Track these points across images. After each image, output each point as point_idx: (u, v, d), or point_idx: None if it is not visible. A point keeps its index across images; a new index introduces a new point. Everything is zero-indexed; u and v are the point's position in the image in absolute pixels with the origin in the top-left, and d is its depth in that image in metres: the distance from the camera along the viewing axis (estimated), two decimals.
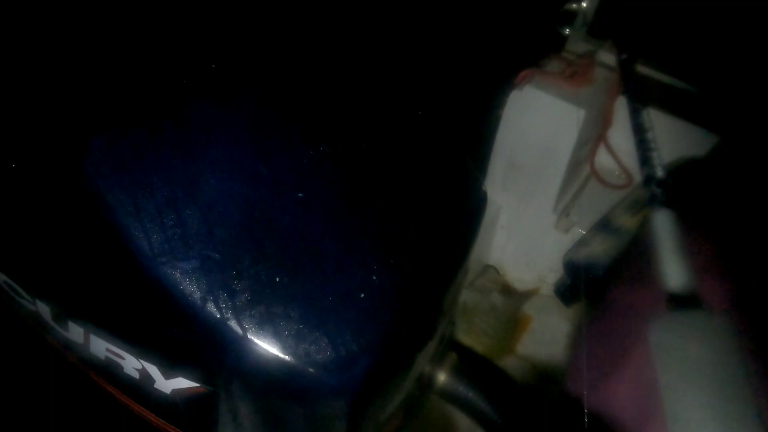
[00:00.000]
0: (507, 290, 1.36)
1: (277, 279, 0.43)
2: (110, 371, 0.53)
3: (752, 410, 0.33)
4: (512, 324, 1.28)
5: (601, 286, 0.93)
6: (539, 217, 1.24)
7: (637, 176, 1.21)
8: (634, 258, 0.81)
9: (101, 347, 0.50)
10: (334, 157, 0.49)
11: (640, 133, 0.81)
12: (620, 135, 1.19)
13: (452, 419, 1.10)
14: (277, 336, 0.42)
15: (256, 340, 0.42)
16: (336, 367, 0.43)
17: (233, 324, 0.41)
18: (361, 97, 0.55)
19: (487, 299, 1.31)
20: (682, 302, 0.43)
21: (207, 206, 0.42)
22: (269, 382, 0.44)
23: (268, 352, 0.42)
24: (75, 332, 0.51)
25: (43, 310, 0.52)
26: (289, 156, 0.47)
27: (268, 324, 0.42)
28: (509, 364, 1.20)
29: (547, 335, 1.26)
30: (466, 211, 0.56)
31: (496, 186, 1.24)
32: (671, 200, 0.72)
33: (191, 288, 0.41)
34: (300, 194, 0.46)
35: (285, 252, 0.44)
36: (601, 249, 1.03)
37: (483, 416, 0.82)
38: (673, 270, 0.47)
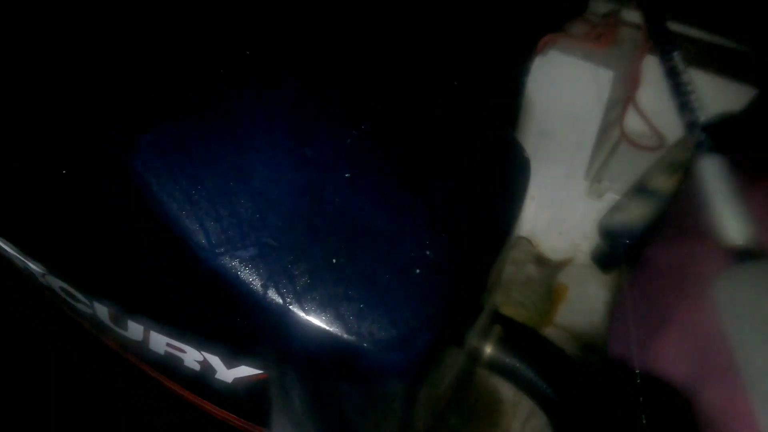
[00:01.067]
0: (541, 261, 1.35)
1: (334, 260, 0.43)
2: (170, 366, 0.54)
3: None
4: (549, 295, 1.27)
5: (640, 250, 0.91)
6: (571, 185, 1.22)
7: (670, 137, 1.18)
8: (679, 214, 0.79)
9: (161, 343, 0.51)
10: (376, 135, 0.48)
11: (674, 77, 0.76)
12: (649, 95, 1.16)
13: (498, 391, 1.10)
14: (339, 317, 0.42)
15: (319, 323, 0.42)
16: (398, 344, 0.43)
17: (295, 308, 0.41)
18: (396, 73, 0.54)
19: (522, 271, 1.30)
20: (747, 254, 0.41)
21: (258, 194, 0.42)
22: (333, 364, 0.44)
23: (331, 333, 0.42)
24: (134, 331, 0.52)
25: (101, 311, 0.52)
26: (333, 137, 0.46)
27: (329, 306, 0.42)
28: (549, 335, 1.20)
29: (585, 304, 1.25)
30: (511, 180, 0.55)
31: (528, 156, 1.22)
32: (719, 145, 0.68)
33: (251, 276, 0.41)
34: (347, 174, 0.46)
35: (338, 233, 0.44)
36: (637, 213, 1.01)
37: (531, 386, 0.82)
38: (733, 220, 0.44)
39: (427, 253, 0.46)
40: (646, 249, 0.82)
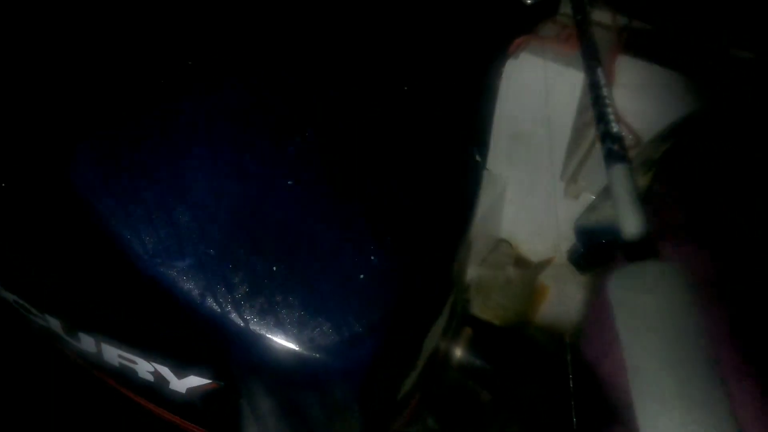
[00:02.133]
0: (521, 263, 1.35)
1: (274, 268, 0.43)
2: (126, 376, 0.54)
3: (704, 357, 0.32)
4: (529, 295, 1.27)
5: (613, 250, 0.91)
6: (547, 186, 1.22)
7: (645, 136, 1.18)
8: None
9: (113, 354, 0.51)
10: (319, 143, 0.49)
11: (595, 89, 0.78)
12: (623, 96, 1.16)
13: (476, 393, 1.10)
14: (280, 325, 0.42)
15: (260, 331, 0.42)
16: (341, 350, 0.43)
17: (234, 317, 0.41)
18: (343, 80, 0.55)
19: (502, 273, 1.30)
20: (637, 253, 0.42)
21: (197, 204, 0.42)
22: (278, 372, 0.44)
23: (272, 341, 0.42)
24: (87, 342, 0.52)
25: (54, 324, 0.52)
26: (275, 146, 0.47)
27: (269, 314, 0.42)
28: (529, 335, 1.20)
29: (565, 304, 1.25)
30: (459, 184, 0.55)
31: (501, 159, 1.22)
32: (626, 155, 0.71)
33: (189, 285, 0.41)
34: (289, 182, 0.46)
35: (280, 242, 0.44)
36: (611, 212, 1.01)
37: (502, 388, 0.82)
38: (630, 222, 0.45)
39: (372, 258, 0.46)
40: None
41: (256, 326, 0.42)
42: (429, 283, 0.52)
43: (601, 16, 1.17)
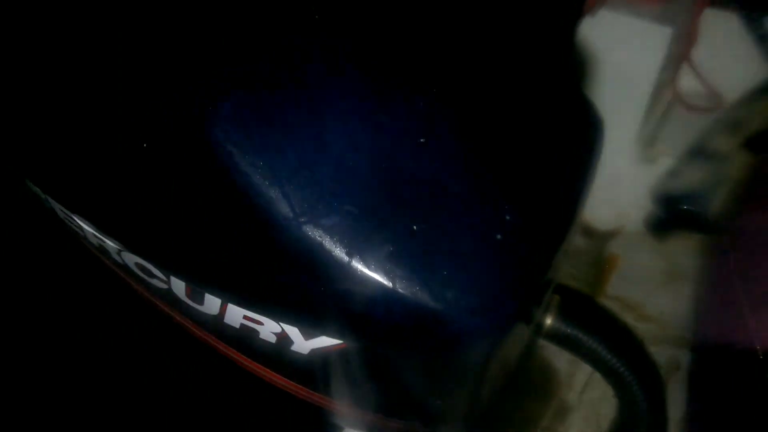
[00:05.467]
0: (588, 231, 1.32)
1: (415, 227, 0.42)
2: (244, 340, 0.54)
3: None
4: (599, 265, 1.24)
5: (705, 217, 0.87)
6: (620, 150, 1.17)
7: (728, 96, 1.12)
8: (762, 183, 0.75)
9: (238, 316, 0.51)
10: (447, 99, 0.47)
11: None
12: (706, 53, 1.10)
13: (551, 363, 1.09)
14: (424, 285, 0.41)
15: (404, 291, 0.41)
16: (485, 310, 0.42)
17: (380, 277, 0.41)
18: (459, 36, 0.52)
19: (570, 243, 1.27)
20: None
21: (338, 161, 0.41)
22: (416, 332, 0.44)
23: (416, 302, 0.41)
24: (210, 305, 0.52)
25: (177, 286, 0.53)
26: (405, 102, 0.45)
27: (413, 274, 0.41)
28: (605, 305, 1.17)
29: (638, 273, 1.21)
30: (586, 142, 0.53)
31: None
32: None
33: (335, 244, 0.40)
34: (421, 140, 0.44)
35: (418, 200, 0.43)
36: (698, 178, 0.97)
37: (596, 356, 0.80)
38: None
39: (507, 217, 0.45)
40: (734, 218, 0.78)
41: (401, 286, 0.41)
42: (553, 244, 0.51)
43: None
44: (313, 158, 0.41)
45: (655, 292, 1.15)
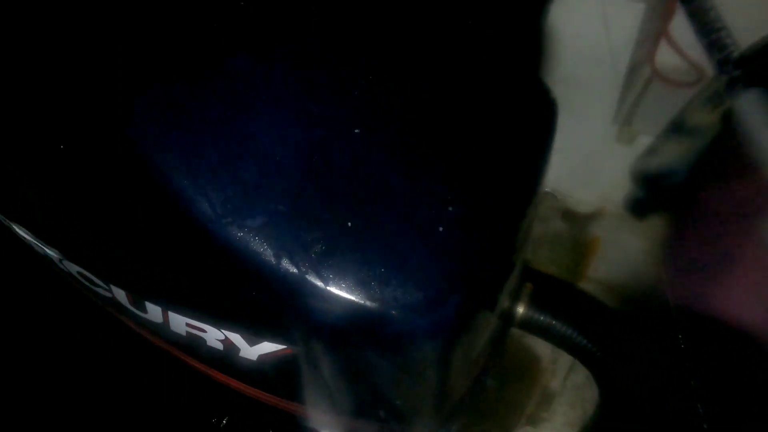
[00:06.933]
0: (569, 215, 1.30)
1: (350, 224, 0.40)
2: (194, 346, 0.52)
3: None
4: (580, 249, 1.22)
5: (683, 193, 0.85)
6: (597, 132, 1.15)
7: (709, 69, 1.09)
8: (725, 155, 0.73)
9: (181, 323, 0.49)
10: (385, 86, 0.44)
11: (699, 15, 0.72)
12: (684, 26, 1.07)
13: (534, 349, 1.08)
14: (361, 283, 0.39)
15: (339, 291, 0.39)
16: (426, 307, 0.40)
17: (312, 277, 0.38)
18: (404, 12, 0.50)
19: (550, 227, 1.25)
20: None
21: (264, 157, 0.39)
22: (359, 333, 0.42)
23: (353, 301, 0.39)
24: (153, 312, 0.50)
25: (119, 294, 0.51)
26: (339, 90, 0.43)
27: (348, 272, 0.39)
28: (583, 289, 1.16)
29: (620, 255, 1.20)
30: (537, 125, 0.50)
31: None
32: (756, 79, 0.64)
33: (263, 245, 0.38)
34: (357, 130, 0.42)
35: (353, 195, 0.40)
36: (676, 153, 0.94)
37: (569, 342, 0.79)
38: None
39: (450, 208, 0.43)
40: (696, 191, 0.77)
41: (336, 286, 0.39)
42: (506, 234, 0.49)
43: None
44: (236, 155, 0.38)
45: (635, 273, 1.13)
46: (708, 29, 0.76)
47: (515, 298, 0.76)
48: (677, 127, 0.95)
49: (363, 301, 0.39)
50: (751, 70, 0.66)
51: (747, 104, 0.57)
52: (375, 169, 0.42)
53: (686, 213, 0.78)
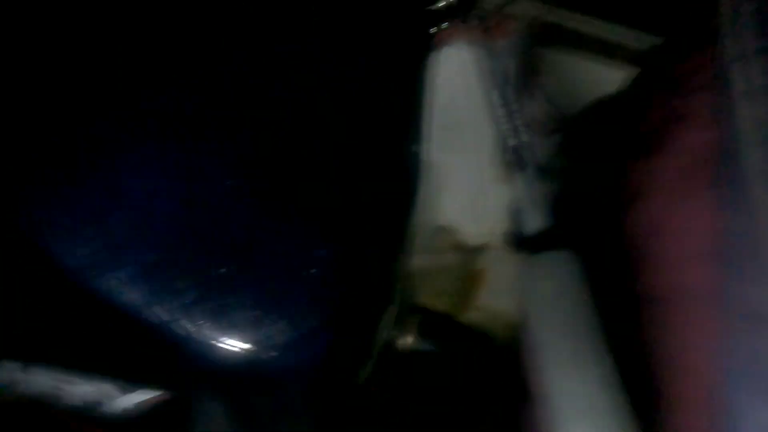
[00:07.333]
0: (459, 248, 1.39)
1: (222, 270, 0.42)
2: (62, 400, 0.50)
3: (593, 328, 0.38)
4: (469, 280, 1.31)
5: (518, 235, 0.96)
6: (481, 172, 1.26)
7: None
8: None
9: (46, 379, 0.47)
10: (255, 141, 0.48)
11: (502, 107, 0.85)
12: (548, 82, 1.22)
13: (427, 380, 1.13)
14: (233, 326, 0.41)
15: (212, 334, 0.41)
16: (297, 346, 0.43)
17: (184, 323, 0.40)
18: (277, 79, 0.54)
19: (442, 259, 1.34)
20: (534, 244, 0.49)
21: (133, 208, 0.40)
22: (233, 375, 0.43)
23: (226, 344, 0.41)
24: (11, 369, 0.48)
25: None
26: (211, 142, 0.45)
27: (221, 316, 0.41)
28: (471, 317, 1.24)
29: (503, 285, 1.30)
30: (402, 171, 0.56)
31: (435, 149, 1.25)
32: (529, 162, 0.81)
33: (132, 296, 0.39)
34: (228, 181, 0.45)
35: (225, 242, 0.43)
36: (521, 196, 1.06)
37: (455, 372, 0.85)
38: (531, 219, 0.53)
39: (322, 252, 0.46)
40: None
41: (208, 330, 0.40)
42: (378, 273, 0.53)
43: (522, 7, 1.22)
44: (103, 208, 0.39)
45: (516, 302, 1.24)
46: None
47: (402, 331, 0.80)
48: (540, 171, 1.08)
49: (236, 343, 0.41)
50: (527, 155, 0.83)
51: (521, 182, 0.70)
52: (247, 219, 0.44)
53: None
